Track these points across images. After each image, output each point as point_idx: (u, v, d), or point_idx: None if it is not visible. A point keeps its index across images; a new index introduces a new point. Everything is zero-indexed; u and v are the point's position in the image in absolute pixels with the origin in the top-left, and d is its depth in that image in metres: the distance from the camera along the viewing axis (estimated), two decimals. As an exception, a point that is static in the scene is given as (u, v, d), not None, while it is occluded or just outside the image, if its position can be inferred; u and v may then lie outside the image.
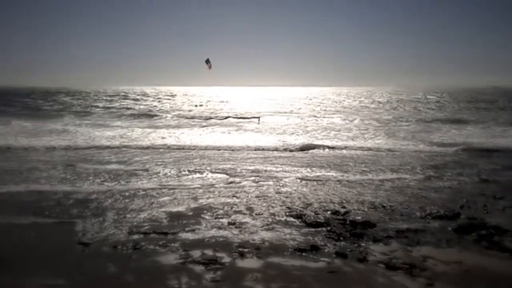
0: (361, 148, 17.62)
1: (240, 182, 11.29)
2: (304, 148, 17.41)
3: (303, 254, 6.55)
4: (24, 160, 14.66)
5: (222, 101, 67.58)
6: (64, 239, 7.23)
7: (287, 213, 8.54)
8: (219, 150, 17.10)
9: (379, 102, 61.71)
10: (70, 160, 14.56)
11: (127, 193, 10.09)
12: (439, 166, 13.81)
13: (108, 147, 17.73)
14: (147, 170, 12.89)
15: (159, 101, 65.51)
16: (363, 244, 6.93)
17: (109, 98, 72.56)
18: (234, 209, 8.86)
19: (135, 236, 7.26)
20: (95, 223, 7.96)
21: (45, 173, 12.38)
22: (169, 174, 12.33)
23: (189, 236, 7.30)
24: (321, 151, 17.08)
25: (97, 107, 49.31)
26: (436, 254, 6.55)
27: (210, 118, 34.07)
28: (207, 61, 21.35)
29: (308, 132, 23.97)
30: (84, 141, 19.50)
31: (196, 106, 53.84)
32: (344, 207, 8.94)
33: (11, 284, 5.63)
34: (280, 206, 9.07)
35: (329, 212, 8.62)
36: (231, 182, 11.30)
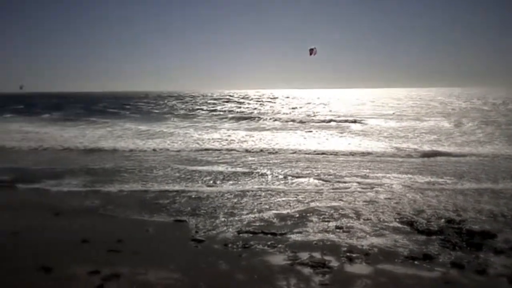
0: (476, 154, 16.37)
1: (346, 187, 11.08)
2: (415, 153, 16.59)
3: (415, 262, 6.27)
4: (142, 160, 15.80)
5: (322, 104, 67.15)
6: (179, 235, 7.68)
7: (397, 219, 8.25)
8: (323, 154, 16.89)
9: (493, 104, 57.03)
10: (182, 161, 15.44)
11: (235, 194, 10.46)
12: None
13: (215, 149, 18.44)
14: (253, 172, 13.23)
15: (261, 104, 66.96)
16: (482, 255, 6.46)
17: (213, 101, 75.77)
18: (341, 213, 8.75)
19: (245, 235, 7.48)
20: (207, 221, 8.34)
21: (161, 172, 13.30)
22: (274, 176, 12.55)
23: (297, 237, 7.36)
24: (434, 157, 16.15)
25: (202, 109, 51.75)
26: None
27: (313, 121, 33.86)
28: (312, 50, 21.86)
29: (417, 136, 22.81)
30: (192, 143, 20.55)
31: (295, 108, 54.10)
32: (459, 215, 8.41)
33: (141, 274, 6.05)
34: (390, 212, 8.79)
35: (443, 220, 8.17)
36: (336, 188, 11.13)
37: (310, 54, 23.67)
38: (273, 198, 10.05)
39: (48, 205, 9.77)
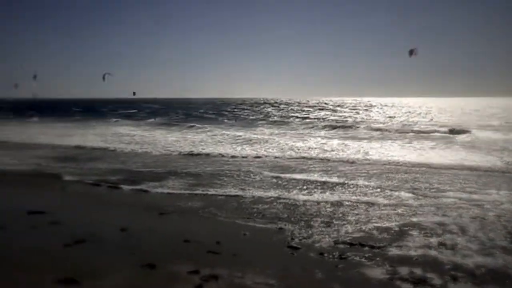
0: None
1: (450, 203, 10.43)
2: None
3: (530, 287, 5.77)
4: (240, 166, 16.22)
5: (423, 113, 64.14)
6: (275, 241, 7.77)
7: (508, 239, 7.63)
8: (425, 166, 16.00)
9: None
10: (278, 168, 15.62)
11: (331, 203, 10.37)
12: None
13: (309, 157, 18.39)
14: (349, 182, 13.00)
15: (356, 112, 65.70)
16: None
17: (308, 109, 75.77)
18: (444, 228, 8.30)
19: (341, 246, 7.38)
20: (303, 229, 8.35)
21: (258, 178, 13.59)
22: (372, 187, 12.22)
23: (396, 251, 7.10)
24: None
25: (296, 117, 51.98)
26: None
27: (412, 131, 32.27)
28: (412, 50, 21.22)
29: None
30: (287, 150, 20.70)
31: (393, 117, 52.26)
32: None
33: (239, 277, 6.20)
34: (500, 230, 8.15)
35: (562, 243, 7.40)
36: (439, 202, 10.51)
37: (410, 55, 22.66)
38: (370, 210, 9.81)
39: (153, 205, 10.42)
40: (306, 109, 78.13)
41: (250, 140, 25.42)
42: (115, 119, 47.96)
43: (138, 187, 12.46)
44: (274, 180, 13.19)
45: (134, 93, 33.54)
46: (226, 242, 7.65)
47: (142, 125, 39.96)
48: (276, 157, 18.45)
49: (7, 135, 28.74)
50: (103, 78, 25.89)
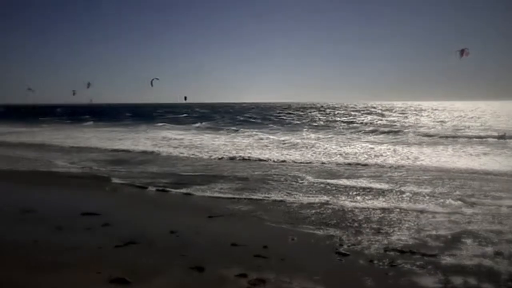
0: None
1: (508, 212, 9.99)
2: None
3: None
4: (287, 170, 16.17)
5: (475, 117, 61.67)
6: (323, 247, 7.71)
7: None
8: (478, 173, 15.28)
9: None
10: (325, 174, 15.49)
11: (380, 210, 10.18)
12: None
13: (356, 163, 18.04)
14: (399, 188, 12.69)
15: (405, 117, 64.13)
16: None
17: (354, 113, 74.73)
18: (501, 238, 7.96)
19: (391, 253, 7.22)
20: (351, 236, 8.25)
21: (305, 183, 13.56)
22: (422, 195, 11.88)
23: (449, 260, 6.88)
24: None
25: (342, 121, 51.35)
26: None
27: (465, 136, 31.04)
28: (463, 50, 20.81)
29: None
30: (333, 155, 20.46)
31: (443, 122, 50.55)
32: None
33: (286, 282, 6.17)
34: (561, 240, 7.74)
35: None
36: (494, 210, 10.09)
37: (461, 55, 21.79)
38: (422, 217, 9.56)
39: (201, 209, 10.60)
40: (353, 113, 77.01)
41: (296, 144, 25.31)
42: (161, 124, 49.15)
43: (187, 190, 12.68)
44: (322, 186, 13.08)
45: (185, 98, 34.29)
46: (273, 246, 7.66)
47: (189, 129, 40.71)
48: (323, 163, 18.25)
49: (63, 139, 30.04)
50: (151, 83, 26.66)
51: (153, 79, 26.81)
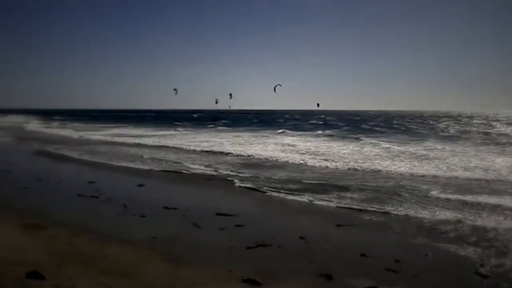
0: None
1: None
2: None
3: None
4: (417, 183, 15.23)
5: None
6: (461, 266, 7.30)
7: None
8: None
9: None
10: (460, 189, 14.37)
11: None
12: None
13: (494, 180, 16.30)
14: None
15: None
16: None
17: (495, 123, 68.42)
18: None
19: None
20: (493, 256, 7.65)
21: (442, 196, 12.80)
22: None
23: None
24: None
25: (477, 132, 47.24)
26: None
27: None
28: None
29: None
30: (468, 168, 18.87)
31: None
32: None
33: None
34: None
35: None
36: None
37: None
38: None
39: (330, 217, 10.66)
40: (493, 123, 70.29)
41: (426, 155, 23.82)
42: (281, 130, 50.11)
43: (314, 198, 12.76)
44: (458, 202, 12.10)
45: (318, 105, 34.92)
46: (406, 261, 7.44)
47: (311, 136, 40.74)
48: (456, 177, 16.90)
49: (198, 143, 32.17)
50: (274, 89, 27.64)
51: (276, 86, 27.75)
